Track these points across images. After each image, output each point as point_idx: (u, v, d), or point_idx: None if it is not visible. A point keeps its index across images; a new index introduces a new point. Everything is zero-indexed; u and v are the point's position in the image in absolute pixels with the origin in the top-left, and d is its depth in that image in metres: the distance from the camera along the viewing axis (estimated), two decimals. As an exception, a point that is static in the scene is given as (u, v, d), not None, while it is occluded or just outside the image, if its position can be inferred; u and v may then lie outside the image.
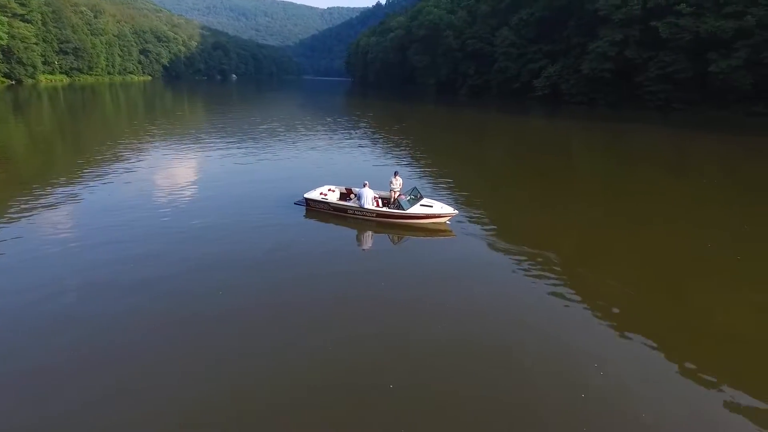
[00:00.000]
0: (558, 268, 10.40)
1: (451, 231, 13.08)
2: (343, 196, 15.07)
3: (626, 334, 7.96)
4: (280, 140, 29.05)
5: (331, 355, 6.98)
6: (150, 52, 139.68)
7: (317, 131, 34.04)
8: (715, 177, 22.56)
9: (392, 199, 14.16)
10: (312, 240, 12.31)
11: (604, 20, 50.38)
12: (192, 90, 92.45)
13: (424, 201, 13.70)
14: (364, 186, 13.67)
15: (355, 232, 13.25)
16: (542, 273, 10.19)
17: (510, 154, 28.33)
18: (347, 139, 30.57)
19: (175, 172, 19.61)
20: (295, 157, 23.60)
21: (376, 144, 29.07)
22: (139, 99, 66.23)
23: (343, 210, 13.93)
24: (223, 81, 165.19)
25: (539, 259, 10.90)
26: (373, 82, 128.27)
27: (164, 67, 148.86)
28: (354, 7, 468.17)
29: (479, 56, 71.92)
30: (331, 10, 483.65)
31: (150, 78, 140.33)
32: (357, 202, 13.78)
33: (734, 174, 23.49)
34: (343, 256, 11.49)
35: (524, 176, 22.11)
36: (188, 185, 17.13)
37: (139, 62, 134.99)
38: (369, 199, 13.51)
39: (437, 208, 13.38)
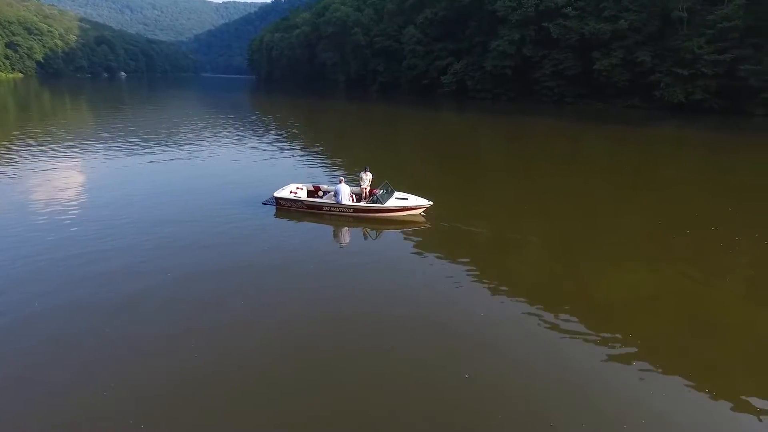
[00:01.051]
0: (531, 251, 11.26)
1: (424, 221, 13.48)
2: (311, 194, 14.72)
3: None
4: (206, 141, 27.49)
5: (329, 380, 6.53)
6: (19, 45, 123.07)
7: (239, 131, 32.73)
8: (602, 160, 26.08)
9: (364, 195, 14.23)
10: (290, 240, 11.92)
11: (502, 20, 54.18)
12: (74, 89, 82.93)
13: (398, 194, 13.87)
14: (340, 182, 13.51)
15: (332, 228, 13.14)
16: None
17: (430, 145, 30.37)
18: (269, 138, 29.70)
19: (106, 179, 17.76)
20: (240, 157, 22.56)
21: (298, 140, 28.75)
22: (9, 99, 57.88)
23: (318, 207, 13.62)
24: (110, 79, 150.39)
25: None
26: (279, 78, 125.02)
27: (39, 63, 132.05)
28: (251, 2, 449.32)
29: (388, 53, 73.40)
30: (227, 5, 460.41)
31: (21, 75, 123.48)
32: (333, 198, 13.55)
33: (617, 156, 27.41)
34: (326, 253, 11.21)
35: (449, 166, 23.58)
36: (135, 192, 15.75)
37: (6, 57, 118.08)
38: (346, 195, 13.38)
39: (412, 200, 13.63)
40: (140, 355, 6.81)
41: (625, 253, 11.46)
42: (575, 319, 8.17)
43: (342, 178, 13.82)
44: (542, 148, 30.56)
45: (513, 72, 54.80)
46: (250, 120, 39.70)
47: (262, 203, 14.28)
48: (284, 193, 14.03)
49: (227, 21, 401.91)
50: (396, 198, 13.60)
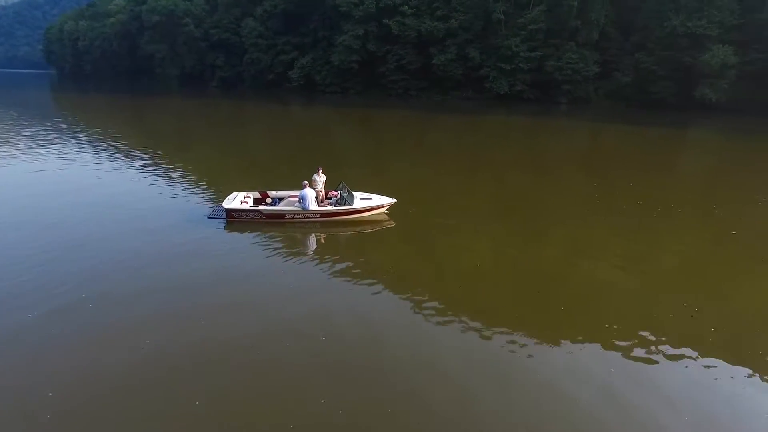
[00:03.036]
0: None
1: (389, 219, 13.28)
2: (258, 202, 13.27)
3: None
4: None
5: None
6: None
7: (55, 140, 27.31)
8: (448, 145, 29.36)
9: (320, 198, 13.20)
10: (253, 257, 10.71)
11: (345, 16, 55.22)
12: None
13: (359, 194, 13.26)
14: (305, 187, 12.29)
15: (297, 237, 12.11)
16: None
17: (285, 141, 31.01)
18: (92, 147, 25.55)
19: None
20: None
21: (134, 149, 25.81)
22: None
23: (280, 216, 12.36)
24: None
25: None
26: (91, 74, 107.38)
27: None
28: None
29: (227, 47, 68.93)
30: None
31: None
32: (298, 204, 12.39)
33: (459, 141, 31.20)
34: (298, 268, 10.12)
35: (309, 160, 24.23)
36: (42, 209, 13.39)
37: None
38: (313, 199, 12.33)
39: (377, 199, 13.16)
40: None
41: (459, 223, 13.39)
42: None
43: (306, 182, 12.61)
44: (394, 137, 33.68)
45: (360, 66, 56.35)
46: (66, 126, 33.26)
47: (208, 217, 12.51)
48: (236, 203, 12.45)
49: (4, 4, 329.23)
50: (360, 198, 13.05)
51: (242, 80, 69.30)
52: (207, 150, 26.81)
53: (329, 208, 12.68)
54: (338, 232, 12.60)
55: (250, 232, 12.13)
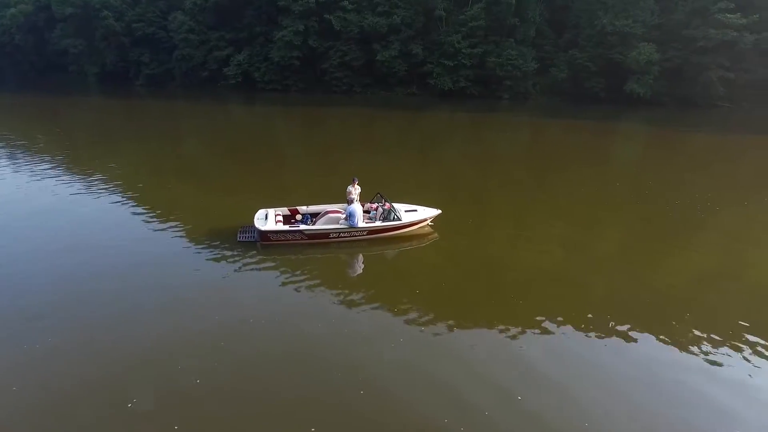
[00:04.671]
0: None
1: (433, 232, 12.90)
2: (288, 220, 12.51)
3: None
4: None
5: None
6: None
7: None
8: (389, 141, 30.98)
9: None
10: (307, 291, 10.22)
11: (284, 10, 53.31)
12: None
13: (401, 205, 12.68)
14: (351, 201, 11.65)
15: (343, 258, 11.72)
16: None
17: (226, 142, 30.28)
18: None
19: None
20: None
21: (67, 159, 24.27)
22: None
23: (324, 235, 11.55)
24: None
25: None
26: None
27: None
28: None
29: (154, 42, 64.13)
30: None
31: None
32: (345, 221, 11.71)
33: (404, 135, 33.44)
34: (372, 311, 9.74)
35: (252, 161, 24.11)
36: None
37: None
38: (361, 215, 11.76)
39: (423, 211, 12.61)
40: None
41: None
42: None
43: (352, 196, 12.05)
44: (340, 134, 34.27)
45: (301, 63, 54.68)
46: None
47: (239, 240, 11.71)
48: (270, 223, 11.48)
49: None
50: (405, 211, 12.47)
51: (172, 78, 64.86)
52: (135, 156, 25.35)
53: (378, 224, 11.92)
54: (386, 250, 12.07)
55: (291, 255, 11.31)
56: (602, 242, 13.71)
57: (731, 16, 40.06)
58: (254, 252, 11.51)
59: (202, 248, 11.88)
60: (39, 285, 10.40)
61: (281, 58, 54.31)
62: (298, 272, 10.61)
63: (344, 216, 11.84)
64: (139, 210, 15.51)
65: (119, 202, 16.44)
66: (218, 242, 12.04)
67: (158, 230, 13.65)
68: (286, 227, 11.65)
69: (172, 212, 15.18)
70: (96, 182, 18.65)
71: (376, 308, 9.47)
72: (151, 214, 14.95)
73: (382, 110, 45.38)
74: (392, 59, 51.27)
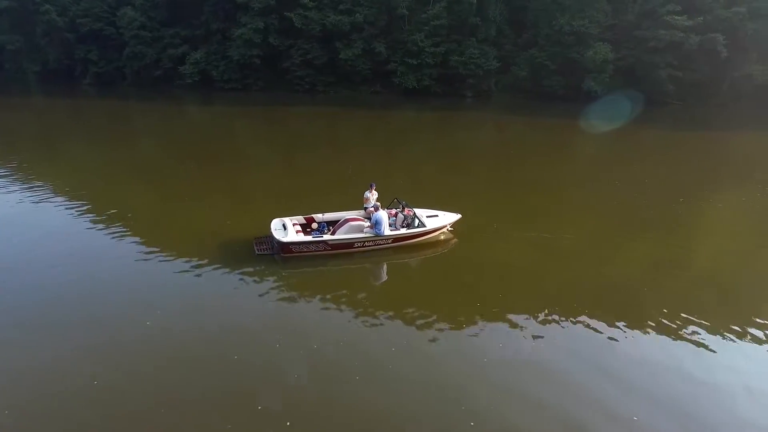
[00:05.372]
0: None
1: (452, 236, 12.78)
2: (304, 229, 11.97)
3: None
4: None
5: None
6: None
7: None
8: (355, 140, 31.14)
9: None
10: (339, 309, 9.82)
11: (243, 7, 51.70)
12: None
13: (422, 210, 12.39)
14: (377, 209, 11.31)
15: (368, 267, 11.33)
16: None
17: (187, 145, 29.35)
18: None
19: None
20: None
21: None
22: None
23: (349, 245, 11.11)
24: None
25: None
26: None
27: None
28: None
29: (102, 39, 60.63)
30: None
31: None
32: (370, 230, 11.34)
33: (370, 134, 33.56)
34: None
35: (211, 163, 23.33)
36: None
37: None
38: (387, 223, 11.41)
39: (444, 216, 12.38)
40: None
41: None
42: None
43: (378, 203, 11.72)
44: (303, 134, 33.97)
45: (262, 61, 53.23)
46: None
47: (258, 254, 11.07)
48: (291, 234, 10.91)
49: None
50: (427, 216, 12.22)
51: (123, 77, 61.65)
52: (87, 160, 24.01)
53: (402, 231, 11.57)
54: (410, 257, 11.79)
55: (315, 268, 10.84)
56: (569, 236, 14.04)
57: (678, 18, 42.21)
58: (274, 267, 10.79)
59: (216, 269, 11.09)
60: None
61: (241, 56, 52.68)
62: (337, 290, 10.17)
63: (368, 224, 11.39)
64: (121, 232, 14.44)
65: (81, 214, 15.33)
66: (220, 258, 11.31)
67: (152, 253, 12.43)
68: (309, 238, 11.07)
69: (160, 229, 14.27)
70: (41, 191, 17.28)
71: (437, 324, 9.39)
72: (140, 239, 13.68)
73: (347, 109, 45.11)
74: (356, 57, 50.79)
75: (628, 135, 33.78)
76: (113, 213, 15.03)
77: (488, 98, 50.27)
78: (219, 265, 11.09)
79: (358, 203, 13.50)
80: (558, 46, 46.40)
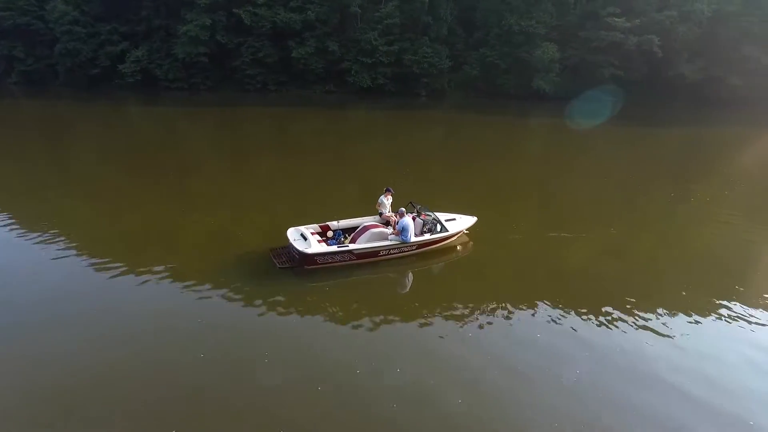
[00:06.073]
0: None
1: (468, 239, 12.63)
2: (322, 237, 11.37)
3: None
4: None
5: None
6: None
7: None
8: (308, 141, 30.52)
9: (392, 224, 11.50)
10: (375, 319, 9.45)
11: (188, 3, 49.35)
12: None
13: (440, 214, 12.06)
14: (403, 215, 10.97)
15: (392, 277, 10.85)
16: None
17: (127, 149, 27.53)
18: None
19: None
20: None
21: None
22: None
23: (374, 253, 10.65)
24: None
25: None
26: None
27: None
28: None
29: (29, 34, 55.86)
30: None
31: None
32: (395, 237, 10.82)
33: (324, 135, 33.18)
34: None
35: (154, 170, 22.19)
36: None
37: None
38: (413, 230, 11.02)
39: (462, 219, 12.20)
40: None
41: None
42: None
43: (403, 209, 11.29)
44: (254, 135, 33.16)
45: (210, 59, 51.07)
46: None
47: (280, 267, 10.36)
48: (314, 244, 10.30)
49: None
50: (446, 220, 11.88)
51: (56, 75, 57.24)
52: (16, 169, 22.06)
53: (426, 237, 11.23)
54: (431, 263, 11.53)
55: (339, 279, 10.28)
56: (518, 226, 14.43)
57: (618, 19, 44.50)
58: (296, 279, 10.05)
59: (235, 289, 10.24)
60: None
61: (186, 54, 50.27)
62: (372, 305, 9.69)
63: (391, 231, 11.00)
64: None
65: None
66: (237, 275, 10.49)
67: (158, 277, 11.26)
68: (334, 248, 10.49)
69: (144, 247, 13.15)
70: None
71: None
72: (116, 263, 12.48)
73: (300, 109, 44.30)
74: (308, 56, 49.84)
75: (575, 131, 35.19)
76: (74, 236, 13.70)
77: (442, 97, 50.84)
78: (239, 284, 10.25)
79: (331, 211, 13.16)
80: (508, 46, 47.65)
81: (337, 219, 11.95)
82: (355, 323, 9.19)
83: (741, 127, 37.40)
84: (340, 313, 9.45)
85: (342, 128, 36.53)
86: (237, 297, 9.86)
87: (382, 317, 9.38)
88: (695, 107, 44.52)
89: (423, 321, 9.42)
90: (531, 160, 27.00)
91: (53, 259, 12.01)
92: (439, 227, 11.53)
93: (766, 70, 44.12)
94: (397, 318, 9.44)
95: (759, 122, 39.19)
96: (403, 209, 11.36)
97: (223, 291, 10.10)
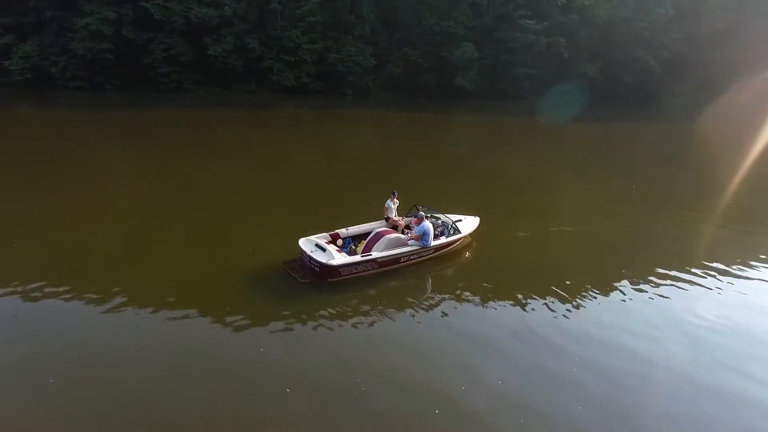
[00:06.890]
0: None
1: (472, 240, 12.41)
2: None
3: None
4: None
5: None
6: None
7: None
8: (229, 143, 28.94)
9: (400, 229, 11.31)
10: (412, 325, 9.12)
11: (86, -6, 44.90)
12: None
13: (449, 216, 11.76)
14: (422, 219, 10.54)
15: (413, 283, 10.44)
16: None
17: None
18: None
19: None
20: None
21: None
22: None
23: (396, 260, 10.30)
24: None
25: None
26: None
27: None
28: None
29: None
30: None
31: None
32: (415, 242, 10.46)
33: (247, 136, 31.67)
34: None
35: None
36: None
37: None
38: (432, 233, 10.78)
39: (468, 219, 12.07)
40: None
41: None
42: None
43: (422, 213, 10.82)
44: (168, 138, 30.86)
45: (117, 57, 46.85)
46: None
47: (303, 282, 9.63)
48: (336, 255, 9.74)
49: None
50: (455, 222, 11.77)
51: None
52: None
53: (443, 240, 11.05)
54: (444, 267, 11.22)
55: (364, 291, 9.66)
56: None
57: (529, 22, 47.53)
58: (320, 295, 9.15)
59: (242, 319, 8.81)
60: None
61: (87, 50, 45.65)
62: (413, 317, 9.02)
63: (409, 236, 10.62)
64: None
65: None
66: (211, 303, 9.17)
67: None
68: (358, 258, 9.85)
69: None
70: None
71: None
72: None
73: (219, 109, 42.10)
74: (226, 54, 47.56)
75: (496, 126, 37.09)
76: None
77: (367, 96, 51.05)
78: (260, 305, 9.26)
79: (282, 217, 12.55)
80: (429, 45, 49.01)
81: (346, 226, 11.35)
82: (387, 338, 8.61)
83: (633, 121, 41.71)
84: (373, 325, 8.82)
85: (271, 130, 35.01)
86: (259, 322, 8.74)
87: (416, 330, 8.90)
88: (600, 103, 48.75)
89: (462, 330, 9.00)
90: (466, 158, 27.62)
91: None
92: (451, 229, 11.37)
93: (654, 71, 49.71)
94: (438, 329, 9.00)
95: (650, 116, 44.01)
96: (422, 213, 10.94)
97: (236, 318, 8.84)
